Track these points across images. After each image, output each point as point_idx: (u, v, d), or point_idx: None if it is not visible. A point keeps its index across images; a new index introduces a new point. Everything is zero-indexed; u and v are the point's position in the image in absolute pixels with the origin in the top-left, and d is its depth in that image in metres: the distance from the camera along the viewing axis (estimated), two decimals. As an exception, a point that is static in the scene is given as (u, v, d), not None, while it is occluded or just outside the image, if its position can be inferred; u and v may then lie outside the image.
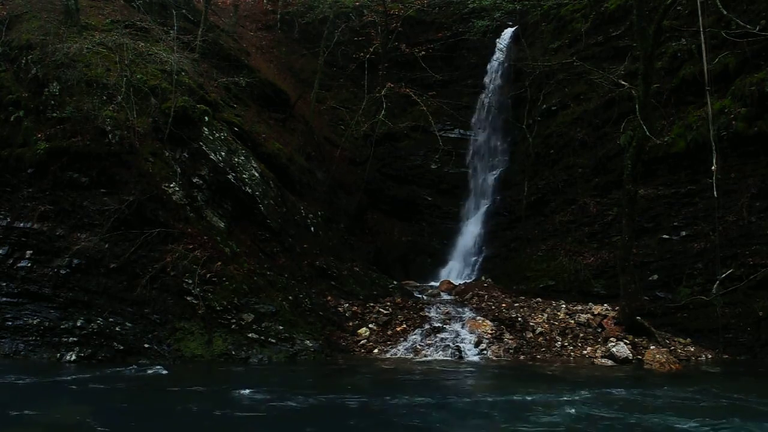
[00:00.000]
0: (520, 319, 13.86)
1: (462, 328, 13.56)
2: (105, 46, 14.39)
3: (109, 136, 13.21)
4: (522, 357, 12.54)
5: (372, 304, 14.77)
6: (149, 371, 10.95)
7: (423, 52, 21.87)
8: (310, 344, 12.39)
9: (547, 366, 11.88)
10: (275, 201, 15.37)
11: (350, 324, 13.79)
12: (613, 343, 12.44)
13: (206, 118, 14.77)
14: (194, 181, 14.07)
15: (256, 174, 15.18)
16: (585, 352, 12.60)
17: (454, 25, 23.73)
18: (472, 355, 12.56)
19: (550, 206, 18.35)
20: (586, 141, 17.92)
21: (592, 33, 19.07)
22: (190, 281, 12.31)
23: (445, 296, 16.65)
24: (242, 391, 9.50)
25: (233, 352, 11.83)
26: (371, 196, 21.15)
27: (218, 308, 12.26)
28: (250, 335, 12.14)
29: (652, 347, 12.35)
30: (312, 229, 16.30)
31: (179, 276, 12.39)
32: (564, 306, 14.80)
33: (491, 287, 16.78)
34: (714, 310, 12.72)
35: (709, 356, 12.42)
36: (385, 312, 14.33)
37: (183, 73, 15.09)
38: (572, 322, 13.73)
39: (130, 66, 14.09)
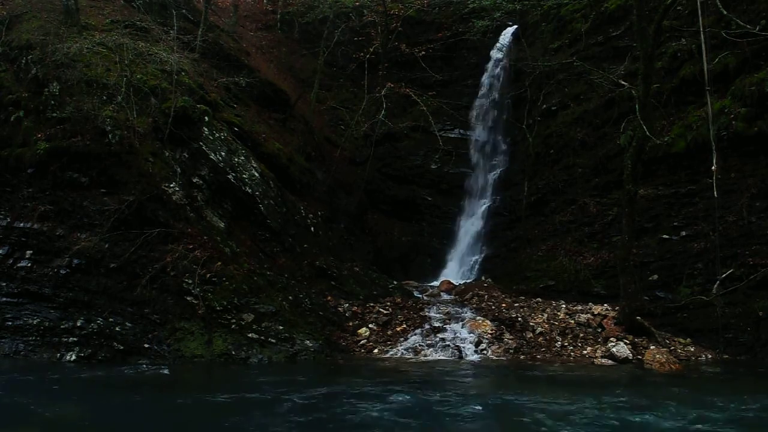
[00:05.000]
0: (520, 319, 13.85)
1: (462, 328, 13.56)
2: (105, 46, 14.40)
3: (109, 136, 13.21)
4: (522, 357, 12.54)
5: (372, 304, 14.77)
6: (150, 371, 10.95)
7: (423, 52, 21.87)
8: (310, 344, 12.39)
9: (547, 366, 11.88)
10: (275, 201, 15.37)
11: (350, 324, 13.79)
12: (613, 343, 12.44)
13: (206, 118, 14.77)
14: (194, 181, 14.07)
15: (256, 174, 15.18)
16: (585, 352, 12.59)
17: (454, 25, 23.72)
18: (472, 355, 12.56)
19: (550, 206, 18.34)
20: (586, 141, 17.92)
21: (592, 33, 19.07)
22: (190, 281, 12.31)
23: (445, 296, 16.64)
24: (241, 391, 9.50)
25: (233, 352, 11.82)
26: (371, 196, 21.14)
27: (218, 308, 12.26)
28: (250, 335, 12.14)
29: (652, 347, 12.35)
30: (312, 229, 16.30)
31: (179, 276, 12.38)
32: (564, 306, 14.80)
33: (491, 287, 16.77)
34: (714, 310, 12.71)
35: (709, 356, 12.42)
36: (385, 312, 14.33)
37: (183, 73, 15.09)
38: (572, 322, 13.72)
39: (130, 66, 14.08)
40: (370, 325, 13.70)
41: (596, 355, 12.36)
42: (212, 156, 14.48)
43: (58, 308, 12.18)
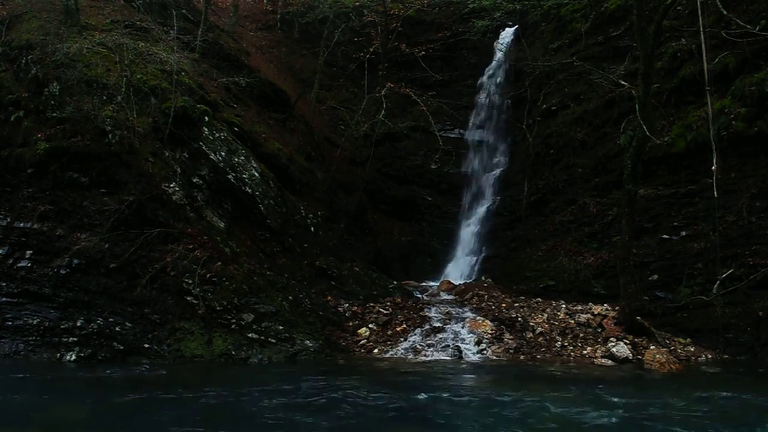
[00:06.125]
0: (520, 319, 13.85)
1: (462, 328, 13.56)
2: (105, 46, 14.39)
3: (109, 136, 13.21)
4: (522, 357, 12.54)
5: (372, 304, 14.77)
6: (150, 371, 10.95)
7: (423, 52, 21.89)
8: (310, 344, 12.39)
9: (547, 366, 11.88)
10: (275, 201, 15.37)
11: (350, 324, 13.79)
12: (613, 343, 12.44)
13: (206, 118, 14.77)
14: (194, 181, 14.07)
15: (256, 174, 15.19)
16: (585, 352, 12.59)
17: (454, 25, 23.76)
18: (472, 355, 12.56)
19: (550, 206, 18.34)
20: (586, 141, 17.93)
21: (592, 33, 19.07)
22: (190, 281, 12.31)
23: (445, 296, 16.64)
24: (242, 392, 9.50)
25: (233, 352, 11.83)
26: (371, 196, 21.14)
27: (218, 308, 12.26)
28: (250, 335, 12.14)
29: (652, 347, 12.35)
30: (312, 229, 16.30)
31: (179, 276, 12.39)
32: (564, 306, 14.80)
33: (491, 287, 16.77)
34: (714, 310, 12.71)
35: (709, 356, 12.42)
36: (385, 312, 14.33)
37: (183, 73, 15.09)
38: (572, 322, 13.73)
39: (130, 66, 14.08)
40: (370, 325, 13.71)
41: (596, 355, 12.37)
42: (212, 156, 14.48)
43: (58, 308, 12.18)
